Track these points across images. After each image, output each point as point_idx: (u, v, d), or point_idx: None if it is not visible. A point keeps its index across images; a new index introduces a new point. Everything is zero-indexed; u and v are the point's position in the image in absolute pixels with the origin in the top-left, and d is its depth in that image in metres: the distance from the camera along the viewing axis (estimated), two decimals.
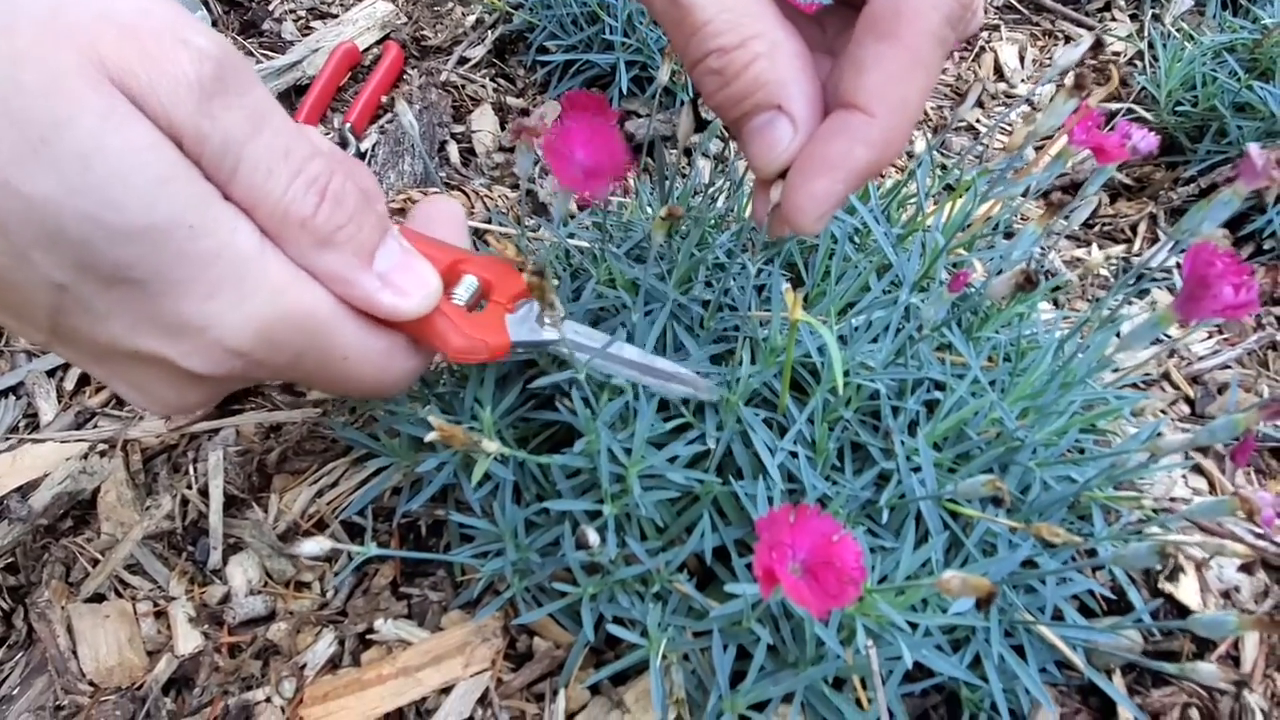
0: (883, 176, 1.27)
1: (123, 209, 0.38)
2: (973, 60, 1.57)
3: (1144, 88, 1.40)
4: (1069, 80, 0.59)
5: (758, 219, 0.54)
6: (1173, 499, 0.90)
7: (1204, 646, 0.77)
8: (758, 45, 0.47)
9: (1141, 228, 1.23)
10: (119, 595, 0.79)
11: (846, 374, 0.68)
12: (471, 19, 1.52)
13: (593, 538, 0.57)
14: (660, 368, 0.62)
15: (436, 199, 0.61)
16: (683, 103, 1.31)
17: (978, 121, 1.46)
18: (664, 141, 1.07)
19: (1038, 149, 1.24)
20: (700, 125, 0.60)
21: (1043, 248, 1.12)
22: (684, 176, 0.81)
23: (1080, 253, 1.19)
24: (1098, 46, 1.37)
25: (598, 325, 0.72)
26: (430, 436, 0.52)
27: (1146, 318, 0.55)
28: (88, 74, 0.37)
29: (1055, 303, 1.09)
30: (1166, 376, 1.03)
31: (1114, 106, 1.40)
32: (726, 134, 1.23)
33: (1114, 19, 1.67)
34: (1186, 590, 0.78)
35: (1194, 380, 1.04)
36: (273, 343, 0.45)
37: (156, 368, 0.45)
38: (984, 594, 0.44)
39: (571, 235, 0.86)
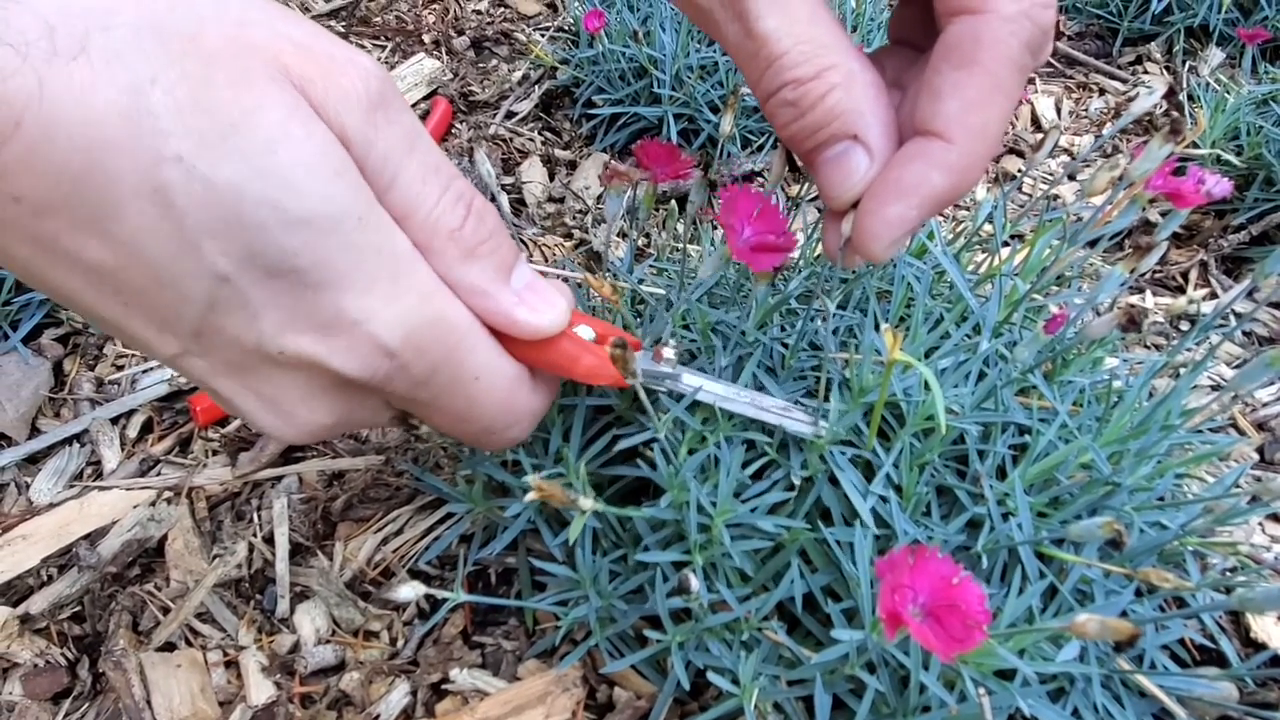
0: (943, 220, 1.27)
1: (302, 194, 0.40)
2: None
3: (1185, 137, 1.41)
4: (1156, 126, 0.59)
5: (828, 252, 0.54)
6: (1252, 545, 0.89)
7: None
8: (834, 76, 0.47)
9: (1193, 275, 1.23)
10: (189, 644, 0.78)
11: (933, 417, 0.67)
12: (518, 75, 1.55)
13: (694, 583, 0.57)
14: (769, 406, 0.62)
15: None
16: (731, 147, 1.32)
17: (1019, 173, 1.48)
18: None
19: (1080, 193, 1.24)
20: (793, 165, 0.60)
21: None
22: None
23: (1135, 299, 1.19)
24: (1170, 94, 1.39)
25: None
26: (529, 497, 0.51)
27: (1258, 357, 0.55)
28: (274, 75, 0.40)
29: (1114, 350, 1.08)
30: (1233, 424, 1.02)
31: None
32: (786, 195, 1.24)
33: (1146, 72, 1.69)
34: (1278, 638, 0.76)
35: (1260, 427, 1.02)
36: (418, 348, 0.46)
37: (298, 374, 0.46)
38: (1126, 637, 0.43)
39: (640, 281, 0.86)
